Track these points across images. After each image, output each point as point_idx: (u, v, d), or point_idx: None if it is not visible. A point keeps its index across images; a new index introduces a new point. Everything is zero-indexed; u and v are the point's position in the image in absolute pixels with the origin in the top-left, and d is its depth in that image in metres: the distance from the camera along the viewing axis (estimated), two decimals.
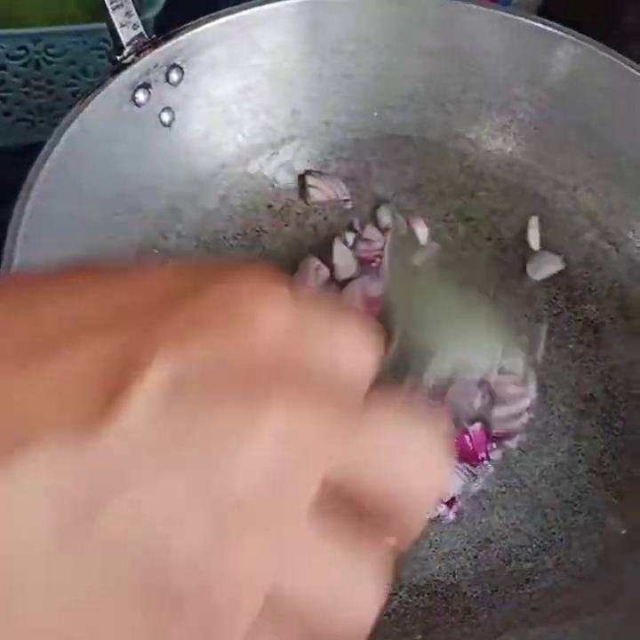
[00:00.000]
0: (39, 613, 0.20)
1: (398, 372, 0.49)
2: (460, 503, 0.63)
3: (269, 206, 0.74)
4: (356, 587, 0.23)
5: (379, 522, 0.24)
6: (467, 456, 0.64)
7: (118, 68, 0.64)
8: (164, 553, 0.20)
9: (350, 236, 0.72)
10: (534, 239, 0.74)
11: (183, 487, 0.20)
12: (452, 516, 0.62)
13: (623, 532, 0.61)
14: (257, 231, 0.73)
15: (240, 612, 0.21)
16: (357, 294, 0.69)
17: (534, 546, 0.62)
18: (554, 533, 0.62)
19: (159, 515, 0.20)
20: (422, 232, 0.74)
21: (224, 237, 0.72)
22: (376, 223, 0.74)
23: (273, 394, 0.21)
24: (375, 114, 0.76)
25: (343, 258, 0.71)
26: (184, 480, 0.20)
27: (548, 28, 0.71)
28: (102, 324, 0.22)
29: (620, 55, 0.71)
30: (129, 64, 0.64)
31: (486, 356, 0.61)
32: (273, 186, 0.74)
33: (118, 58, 0.64)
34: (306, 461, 0.22)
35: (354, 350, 0.25)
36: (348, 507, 0.23)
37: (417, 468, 0.24)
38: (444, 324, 0.58)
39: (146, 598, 0.20)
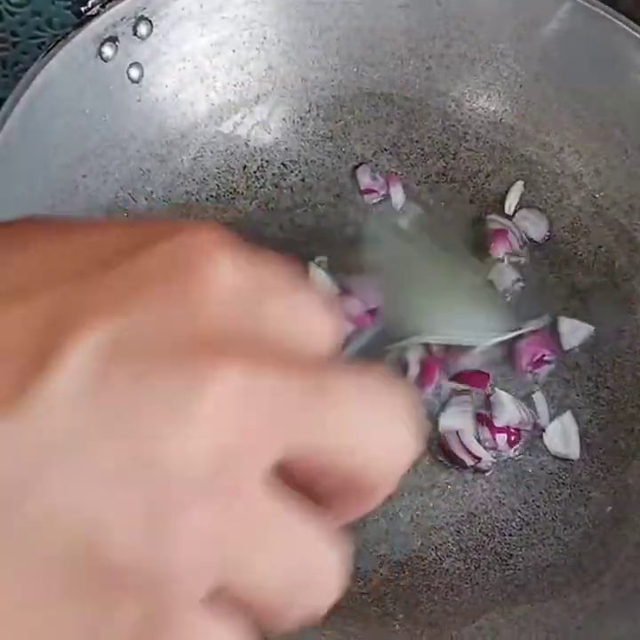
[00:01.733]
0: None
1: (381, 343, 0.47)
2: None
3: (244, 167, 0.71)
4: (319, 565, 0.22)
5: (332, 495, 0.23)
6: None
7: (83, 20, 0.60)
8: (100, 535, 0.19)
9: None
10: (511, 204, 0.71)
11: (119, 462, 0.19)
12: None
13: (609, 508, 0.60)
14: (231, 193, 0.70)
15: (187, 595, 0.20)
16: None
17: (518, 519, 0.60)
18: (538, 506, 0.61)
19: (93, 494, 0.19)
20: (398, 196, 0.71)
21: (197, 200, 0.69)
22: (356, 183, 0.72)
23: (224, 362, 0.20)
24: (354, 70, 0.73)
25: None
26: (120, 454, 0.19)
27: None
28: (36, 287, 0.20)
29: (609, 9, 0.68)
30: (94, 16, 0.61)
31: (479, 330, 0.59)
32: (247, 145, 0.71)
33: (83, 9, 0.61)
34: (261, 436, 0.20)
35: (316, 316, 0.23)
36: (300, 476, 0.22)
37: (381, 442, 0.22)
38: (433, 295, 0.56)
39: (81, 583, 0.19)
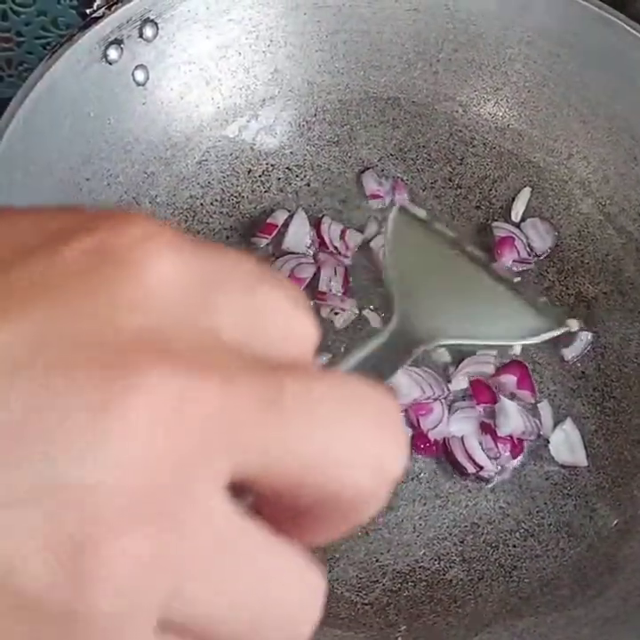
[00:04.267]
0: None
1: (395, 352, 0.46)
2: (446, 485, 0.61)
3: (249, 171, 0.70)
4: (288, 597, 0.19)
5: (311, 512, 0.20)
6: None
7: (88, 22, 0.60)
8: (13, 576, 0.16)
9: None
10: (518, 211, 0.71)
11: (24, 491, 0.16)
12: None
13: (615, 521, 0.59)
14: (236, 197, 0.70)
15: (129, 631, 0.17)
16: (285, 270, 0.66)
17: (522, 530, 0.60)
18: (542, 518, 0.60)
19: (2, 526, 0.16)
20: (404, 202, 0.71)
21: (201, 204, 0.69)
22: (362, 188, 0.71)
23: (155, 367, 0.17)
24: (361, 73, 0.73)
25: (300, 229, 0.68)
26: (24, 482, 0.16)
27: None
28: None
29: (618, 14, 0.67)
30: (99, 18, 0.60)
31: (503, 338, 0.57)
32: (253, 149, 0.71)
33: (88, 11, 0.60)
34: (206, 454, 0.18)
35: (283, 316, 0.20)
36: (268, 492, 0.19)
37: (357, 459, 0.19)
38: (457, 295, 0.54)
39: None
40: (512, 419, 0.61)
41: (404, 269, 0.54)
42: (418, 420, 0.62)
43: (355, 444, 0.19)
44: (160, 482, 0.17)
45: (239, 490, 0.19)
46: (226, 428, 0.18)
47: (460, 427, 0.62)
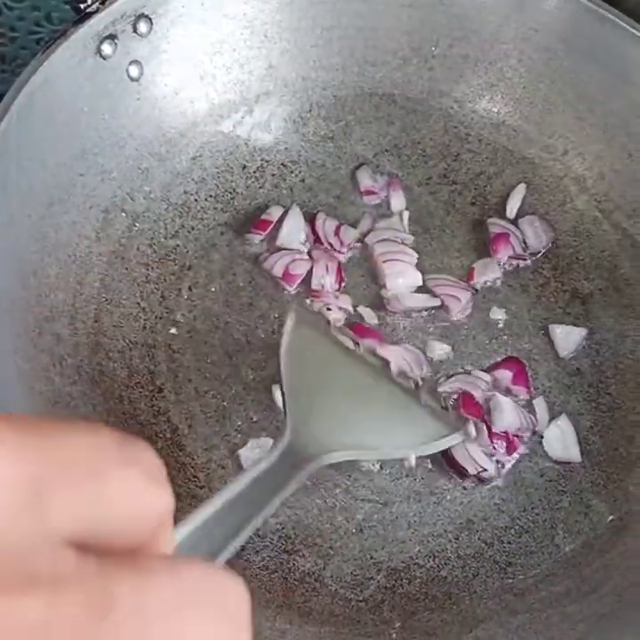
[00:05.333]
0: None
1: (286, 468, 0.47)
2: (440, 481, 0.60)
3: (244, 167, 0.70)
4: None
5: None
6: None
7: (82, 17, 0.60)
8: None
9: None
10: (513, 207, 0.71)
11: None
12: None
13: (609, 517, 0.59)
14: (230, 193, 0.69)
15: None
16: (279, 266, 0.66)
17: (517, 527, 0.60)
18: (537, 514, 0.60)
19: None
20: (398, 201, 0.70)
21: (196, 200, 0.69)
22: (356, 185, 0.71)
23: None
24: (356, 69, 0.73)
25: (295, 225, 0.68)
26: None
27: None
28: None
29: (613, 10, 0.67)
30: (93, 13, 0.60)
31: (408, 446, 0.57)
32: (247, 145, 0.71)
33: (82, 6, 0.60)
34: None
35: (131, 500, 0.20)
36: None
37: None
38: (354, 405, 0.54)
39: None
40: (507, 414, 0.61)
41: (298, 378, 0.54)
42: None
43: None
44: None
45: None
46: None
47: None
